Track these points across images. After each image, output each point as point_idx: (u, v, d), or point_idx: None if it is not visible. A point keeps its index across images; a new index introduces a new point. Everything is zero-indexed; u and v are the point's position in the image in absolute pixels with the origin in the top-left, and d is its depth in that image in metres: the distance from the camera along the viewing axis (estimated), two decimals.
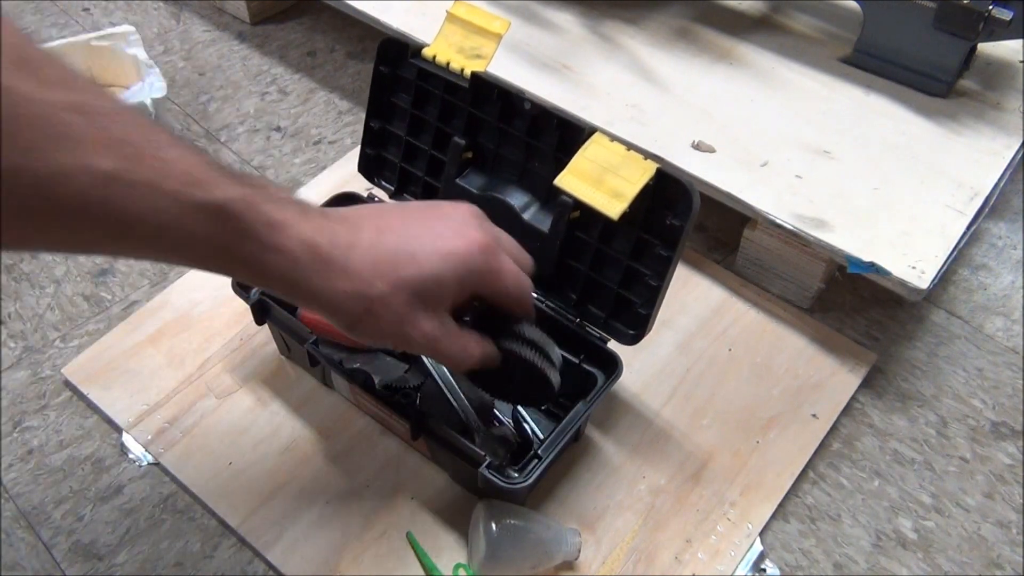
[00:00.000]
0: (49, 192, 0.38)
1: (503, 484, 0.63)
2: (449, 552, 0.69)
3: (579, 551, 0.67)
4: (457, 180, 0.76)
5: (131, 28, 1.10)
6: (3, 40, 0.37)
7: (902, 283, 0.76)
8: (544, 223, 0.71)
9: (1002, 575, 0.71)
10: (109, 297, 0.90)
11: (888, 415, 0.82)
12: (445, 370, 0.72)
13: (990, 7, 0.84)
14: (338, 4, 1.09)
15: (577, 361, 0.72)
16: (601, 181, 0.65)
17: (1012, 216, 1.02)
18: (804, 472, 0.76)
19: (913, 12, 0.90)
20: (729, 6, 1.09)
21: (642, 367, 0.82)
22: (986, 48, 1.01)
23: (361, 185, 0.84)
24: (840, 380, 0.82)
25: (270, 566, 0.69)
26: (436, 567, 0.67)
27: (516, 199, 0.73)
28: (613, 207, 0.63)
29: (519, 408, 0.76)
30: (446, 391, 0.72)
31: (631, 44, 1.02)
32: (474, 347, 0.56)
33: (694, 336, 0.85)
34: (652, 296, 0.67)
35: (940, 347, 0.88)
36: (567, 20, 1.06)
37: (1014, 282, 0.94)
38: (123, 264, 0.94)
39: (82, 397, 0.80)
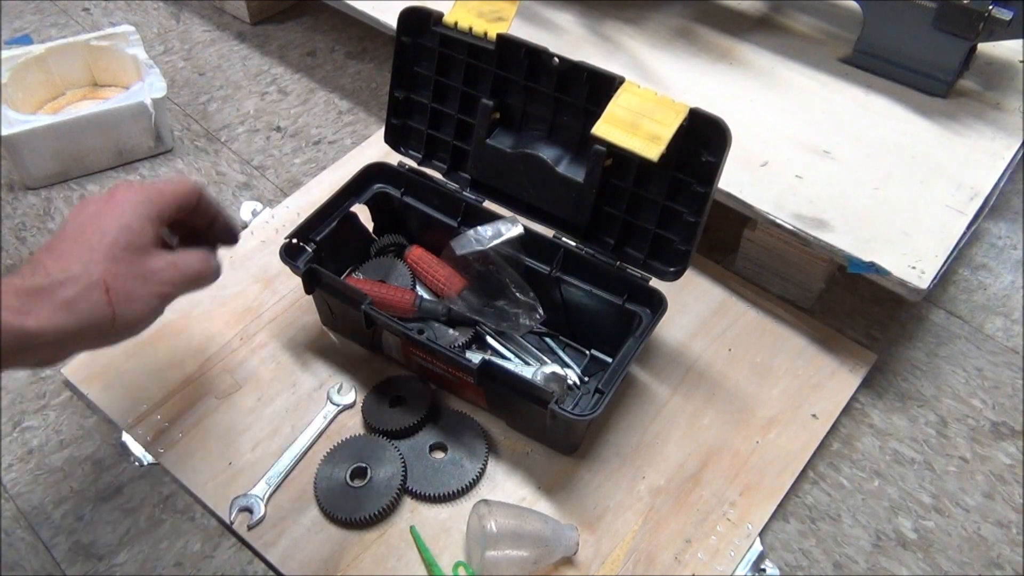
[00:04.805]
0: None
1: (573, 416, 0.66)
2: (449, 552, 0.69)
3: (577, 545, 0.67)
4: (487, 141, 0.78)
5: (131, 28, 1.10)
6: None
7: (902, 283, 0.76)
8: (578, 174, 0.75)
9: (1002, 575, 0.71)
10: None
11: (888, 415, 0.82)
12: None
13: (990, 7, 0.84)
14: (338, 4, 1.09)
15: (620, 303, 0.75)
16: (637, 127, 0.68)
17: (1012, 216, 1.02)
18: (804, 472, 0.76)
19: (913, 12, 0.90)
20: (729, 6, 1.09)
21: (642, 367, 0.82)
22: (986, 48, 1.01)
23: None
24: (840, 380, 0.82)
25: (270, 566, 0.69)
26: (436, 565, 0.67)
27: (548, 153, 0.77)
28: (652, 150, 0.66)
29: (558, 352, 0.82)
30: (495, 343, 0.80)
31: (631, 44, 1.02)
32: (198, 256, 0.58)
33: (694, 336, 0.85)
34: (691, 232, 0.71)
35: (940, 347, 0.88)
36: (567, 20, 1.06)
37: (1014, 282, 0.94)
38: None
39: (82, 397, 0.80)
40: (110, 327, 0.53)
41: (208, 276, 0.59)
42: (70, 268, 0.51)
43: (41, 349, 0.50)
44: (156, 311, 0.56)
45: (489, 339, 0.81)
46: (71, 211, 0.56)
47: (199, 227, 0.60)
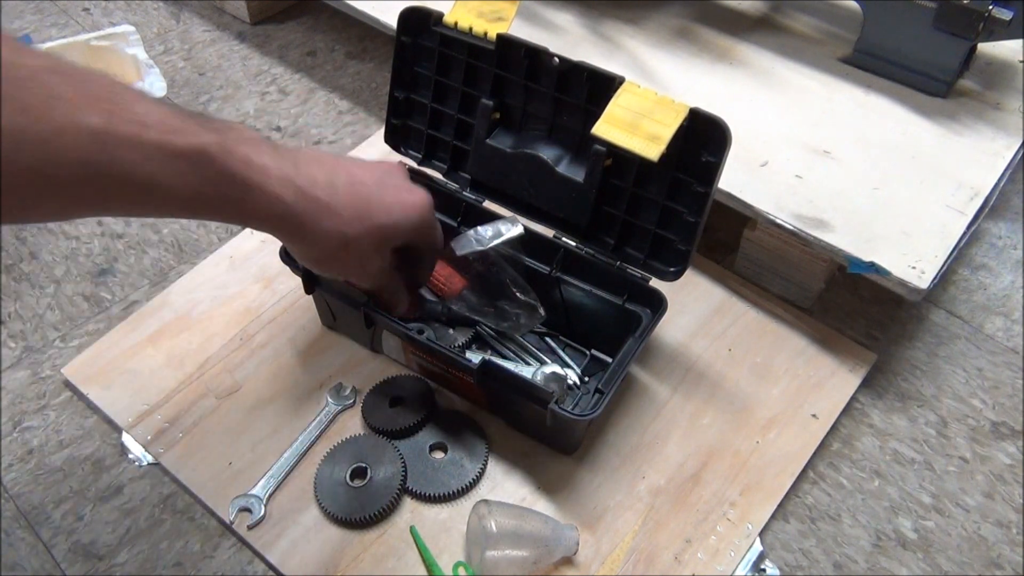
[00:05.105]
0: (49, 151, 0.39)
1: (573, 416, 0.66)
2: (449, 552, 0.69)
3: (577, 545, 0.67)
4: (487, 141, 0.78)
5: (131, 28, 1.10)
6: None
7: (902, 283, 0.76)
8: (578, 174, 0.75)
9: (1002, 575, 0.71)
10: (109, 297, 0.90)
11: (888, 415, 0.82)
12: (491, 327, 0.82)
13: (990, 7, 0.84)
14: (338, 4, 1.09)
15: (620, 303, 0.75)
16: (637, 127, 0.68)
17: (1012, 216, 1.02)
18: (804, 472, 0.76)
19: (913, 12, 0.90)
20: (729, 6, 1.09)
21: (642, 367, 0.82)
22: (986, 48, 1.01)
23: None
24: (840, 380, 0.82)
25: (270, 566, 0.69)
26: (436, 565, 0.67)
27: (548, 153, 0.77)
28: (652, 150, 0.66)
29: (559, 352, 0.82)
30: (495, 343, 0.80)
31: (631, 44, 1.02)
32: (394, 292, 0.69)
33: (694, 336, 0.85)
34: (691, 232, 0.71)
35: (940, 347, 0.88)
36: (567, 20, 1.06)
37: (1014, 282, 0.94)
38: (123, 264, 0.94)
39: (82, 397, 0.80)
40: (311, 257, 0.59)
41: (388, 310, 0.71)
42: (345, 212, 0.56)
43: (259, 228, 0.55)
44: (331, 277, 0.67)
45: (489, 339, 0.81)
46: (396, 165, 0.65)
47: (409, 253, 0.66)
